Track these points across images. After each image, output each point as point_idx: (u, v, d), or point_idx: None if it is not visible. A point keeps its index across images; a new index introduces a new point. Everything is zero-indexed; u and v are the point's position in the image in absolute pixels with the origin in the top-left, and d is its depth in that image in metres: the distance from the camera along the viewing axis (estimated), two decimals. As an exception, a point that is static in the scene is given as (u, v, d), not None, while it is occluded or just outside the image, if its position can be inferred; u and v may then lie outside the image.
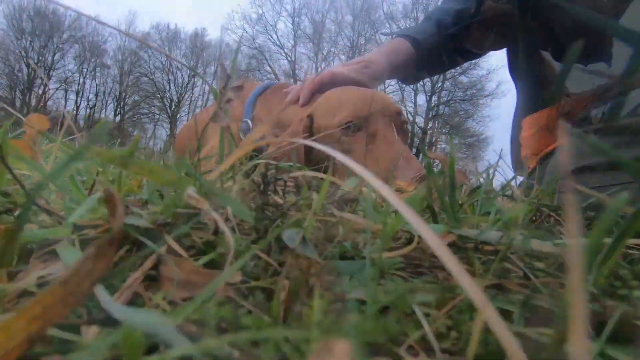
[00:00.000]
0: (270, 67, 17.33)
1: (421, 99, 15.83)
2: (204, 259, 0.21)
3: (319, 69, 17.04)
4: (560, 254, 0.24)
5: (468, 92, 15.80)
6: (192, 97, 17.04)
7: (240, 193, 0.28)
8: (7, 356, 0.13)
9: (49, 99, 14.95)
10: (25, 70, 14.35)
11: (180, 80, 16.69)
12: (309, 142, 0.25)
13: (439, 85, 15.52)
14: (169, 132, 16.08)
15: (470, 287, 0.16)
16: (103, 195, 0.16)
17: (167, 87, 16.53)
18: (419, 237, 0.29)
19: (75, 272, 0.13)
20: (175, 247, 0.20)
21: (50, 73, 14.84)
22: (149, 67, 16.32)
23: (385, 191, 0.19)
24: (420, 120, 15.89)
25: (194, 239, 0.22)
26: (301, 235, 0.21)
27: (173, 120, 16.23)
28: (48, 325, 0.13)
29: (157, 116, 16.49)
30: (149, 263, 0.18)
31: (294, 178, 0.34)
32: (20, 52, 14.37)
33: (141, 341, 0.11)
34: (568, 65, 0.19)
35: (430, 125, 16.19)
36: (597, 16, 0.19)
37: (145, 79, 16.22)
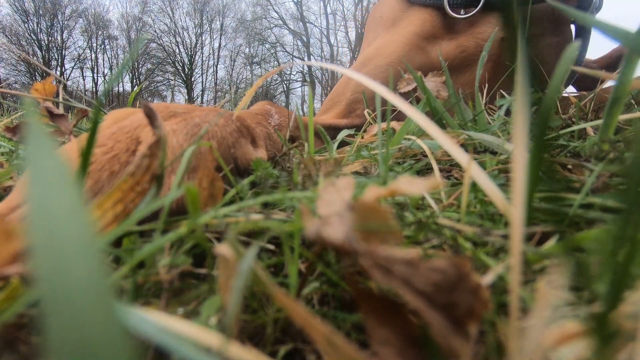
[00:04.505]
0: (276, 12, 16.51)
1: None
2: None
3: (329, 9, 16.03)
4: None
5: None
6: (202, 57, 16.77)
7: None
8: (104, 230, 0.17)
9: (67, 79, 15.23)
10: (39, 53, 14.52)
11: (188, 41, 16.36)
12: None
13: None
14: (186, 97, 16.14)
15: (456, 151, 0.18)
16: (144, 109, 0.19)
17: (177, 50, 16.30)
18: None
19: (137, 167, 0.17)
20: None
21: (63, 53, 14.98)
22: (155, 31, 16.03)
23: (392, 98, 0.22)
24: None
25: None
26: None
27: (189, 83, 16.21)
28: (127, 208, 0.17)
29: (172, 82, 16.49)
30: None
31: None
32: (30, 35, 14.46)
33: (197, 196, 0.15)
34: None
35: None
36: (586, 14, 0.20)
37: (154, 44, 16.01)
